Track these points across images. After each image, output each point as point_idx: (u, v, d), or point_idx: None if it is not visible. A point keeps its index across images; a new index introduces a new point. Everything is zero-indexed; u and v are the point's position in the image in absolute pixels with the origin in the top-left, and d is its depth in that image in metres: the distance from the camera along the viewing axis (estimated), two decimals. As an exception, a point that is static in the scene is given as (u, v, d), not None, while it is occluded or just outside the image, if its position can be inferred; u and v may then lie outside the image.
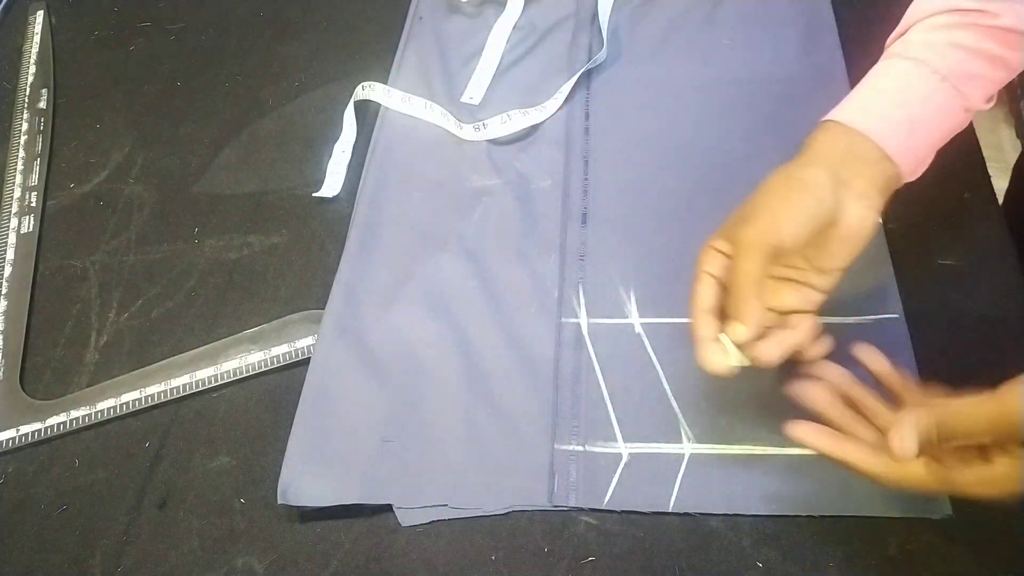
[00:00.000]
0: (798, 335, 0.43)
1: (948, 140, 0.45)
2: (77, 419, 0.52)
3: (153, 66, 0.74)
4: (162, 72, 0.73)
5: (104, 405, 0.52)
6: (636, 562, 0.44)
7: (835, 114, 0.44)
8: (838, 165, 0.42)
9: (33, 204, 0.64)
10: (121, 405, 0.52)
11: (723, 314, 0.43)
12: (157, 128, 0.69)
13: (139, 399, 0.52)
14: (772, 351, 0.42)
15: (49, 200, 0.65)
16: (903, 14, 0.49)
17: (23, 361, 0.55)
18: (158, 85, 0.72)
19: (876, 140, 0.42)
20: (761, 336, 0.41)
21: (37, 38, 0.77)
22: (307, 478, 0.47)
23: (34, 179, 0.65)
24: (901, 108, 0.43)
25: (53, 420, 0.52)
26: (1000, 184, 0.57)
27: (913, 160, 0.44)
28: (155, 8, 0.79)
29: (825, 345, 0.44)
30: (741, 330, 0.40)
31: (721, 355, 0.42)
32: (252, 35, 0.75)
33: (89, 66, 0.74)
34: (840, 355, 0.49)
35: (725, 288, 0.43)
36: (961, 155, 0.58)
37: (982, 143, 0.59)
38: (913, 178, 0.45)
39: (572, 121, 0.63)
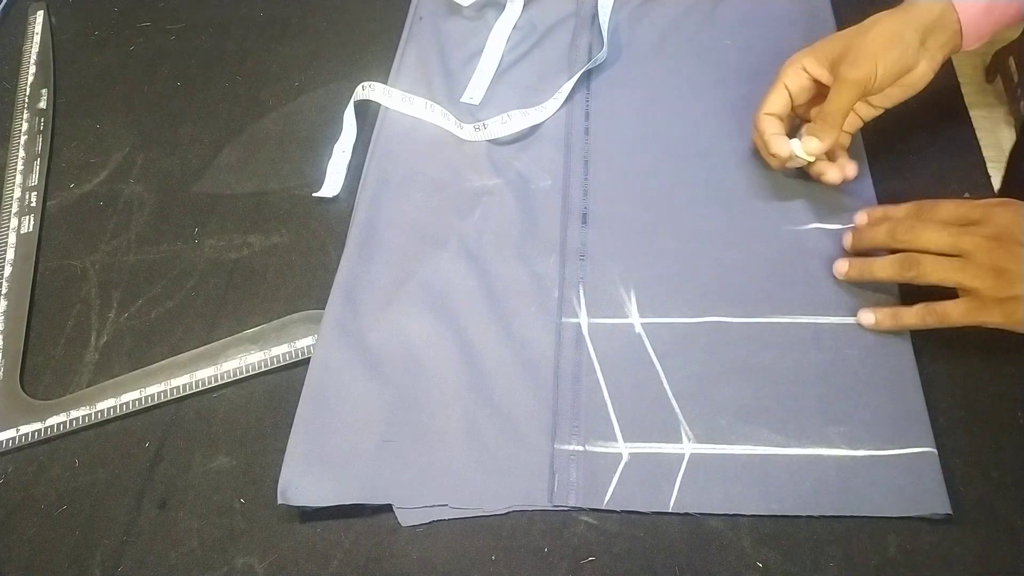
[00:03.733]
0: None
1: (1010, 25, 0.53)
2: (77, 419, 0.52)
3: (153, 66, 0.74)
4: (162, 72, 0.73)
5: (104, 405, 0.52)
6: (636, 562, 0.44)
7: None
8: (927, 30, 0.51)
9: (33, 204, 0.64)
10: (121, 405, 0.52)
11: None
12: (157, 128, 0.69)
13: (139, 399, 0.52)
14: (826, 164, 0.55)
15: (49, 200, 0.65)
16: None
17: (23, 361, 0.55)
18: (158, 85, 0.72)
19: (960, 15, 0.51)
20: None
21: (37, 38, 0.77)
22: (307, 478, 0.47)
23: (34, 179, 0.65)
24: None
25: (53, 420, 0.52)
26: (1000, 184, 0.57)
27: (976, 38, 0.52)
28: (155, 8, 0.79)
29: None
30: (815, 144, 0.53)
31: (786, 146, 0.54)
32: (252, 35, 0.75)
33: (89, 66, 0.74)
34: (839, 355, 0.49)
35: (792, 100, 0.55)
36: (961, 155, 0.58)
37: (982, 143, 0.59)
38: (968, 49, 0.53)
39: (572, 121, 0.63)
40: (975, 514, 0.44)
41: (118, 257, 0.60)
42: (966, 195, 0.55)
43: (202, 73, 0.72)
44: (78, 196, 0.65)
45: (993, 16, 0.51)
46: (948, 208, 0.49)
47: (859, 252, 0.52)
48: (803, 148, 0.53)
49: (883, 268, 0.49)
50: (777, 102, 0.55)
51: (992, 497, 0.44)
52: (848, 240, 0.52)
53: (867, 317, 0.50)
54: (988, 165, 0.58)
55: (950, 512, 0.43)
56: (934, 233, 0.47)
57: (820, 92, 0.55)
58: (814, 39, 0.65)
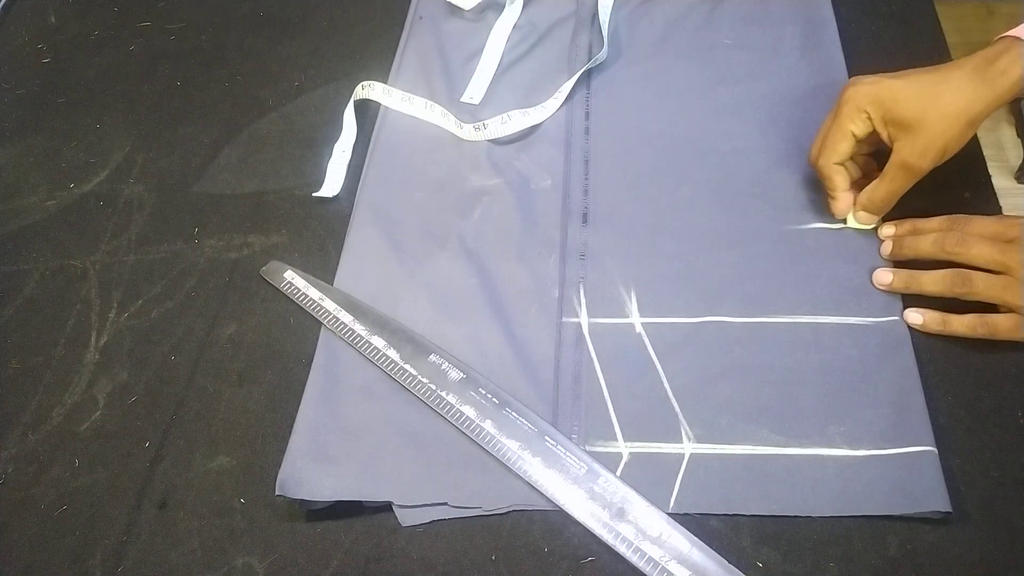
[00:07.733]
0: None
1: None
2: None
3: (153, 66, 0.74)
4: (162, 72, 0.73)
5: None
6: (636, 562, 0.44)
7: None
8: (1002, 97, 0.47)
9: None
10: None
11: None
12: (157, 128, 0.69)
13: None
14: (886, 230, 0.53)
15: (49, 200, 0.65)
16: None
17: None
18: (158, 85, 0.72)
19: None
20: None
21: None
22: (307, 472, 0.47)
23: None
24: None
25: None
26: (1000, 183, 0.57)
27: None
28: (155, 8, 0.79)
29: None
30: (866, 220, 0.52)
31: (846, 209, 0.53)
32: (252, 35, 0.75)
33: (89, 66, 0.74)
34: (839, 355, 0.49)
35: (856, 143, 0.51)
36: (961, 154, 0.58)
37: (982, 142, 0.59)
38: None
39: (572, 121, 0.63)
40: (975, 513, 0.44)
41: (118, 257, 0.60)
42: (966, 195, 0.55)
43: (202, 73, 0.72)
44: (78, 196, 0.65)
45: None
46: (985, 224, 0.48)
47: (898, 262, 0.51)
48: (855, 222, 0.53)
49: (933, 282, 0.48)
50: (843, 149, 0.51)
51: (992, 496, 0.44)
52: (887, 249, 0.52)
53: (914, 317, 0.49)
54: (988, 164, 0.58)
55: (950, 511, 0.43)
56: (983, 248, 0.47)
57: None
58: (814, 38, 0.66)
